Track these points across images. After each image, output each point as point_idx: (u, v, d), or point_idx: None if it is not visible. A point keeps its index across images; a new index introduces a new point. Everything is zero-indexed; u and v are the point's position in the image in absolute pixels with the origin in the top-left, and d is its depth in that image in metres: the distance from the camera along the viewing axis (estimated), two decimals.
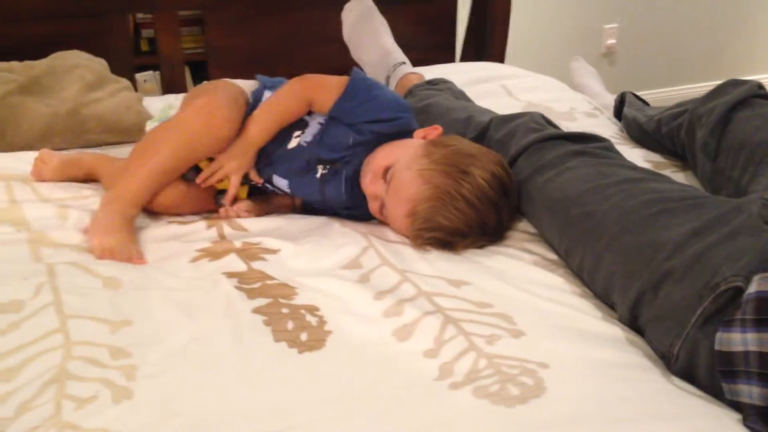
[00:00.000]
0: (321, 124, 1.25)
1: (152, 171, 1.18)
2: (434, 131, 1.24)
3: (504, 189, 1.16)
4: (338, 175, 1.24)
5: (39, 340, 0.91)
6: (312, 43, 2.05)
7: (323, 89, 1.24)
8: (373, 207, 1.21)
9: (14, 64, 1.59)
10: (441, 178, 1.12)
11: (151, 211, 1.23)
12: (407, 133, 1.25)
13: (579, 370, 0.89)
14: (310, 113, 1.27)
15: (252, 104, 1.27)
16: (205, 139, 1.19)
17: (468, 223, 1.13)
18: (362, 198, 1.22)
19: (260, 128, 1.22)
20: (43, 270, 1.06)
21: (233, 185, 1.23)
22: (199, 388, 0.84)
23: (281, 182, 1.27)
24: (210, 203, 1.26)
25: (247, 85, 1.32)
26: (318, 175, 1.24)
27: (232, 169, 1.21)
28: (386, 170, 1.17)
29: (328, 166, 1.24)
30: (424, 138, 1.23)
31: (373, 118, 1.22)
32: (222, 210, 1.24)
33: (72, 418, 0.79)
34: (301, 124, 1.26)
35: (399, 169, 1.16)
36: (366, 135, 1.22)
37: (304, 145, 1.24)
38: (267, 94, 1.28)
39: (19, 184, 1.30)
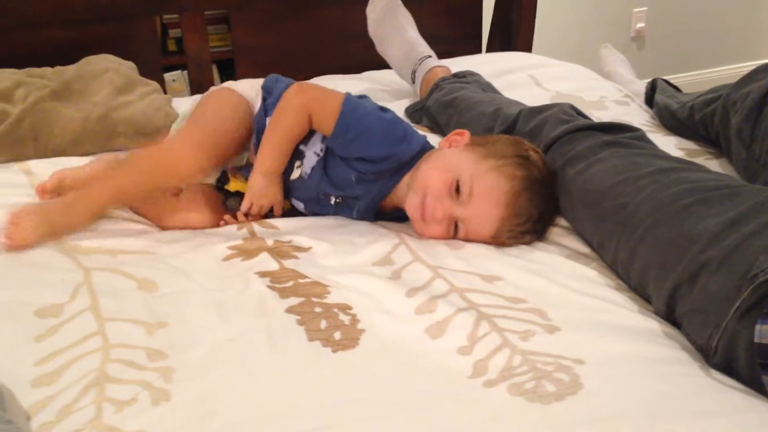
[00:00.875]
0: (317, 154, 1.22)
1: (117, 191, 1.20)
2: (461, 137, 1.20)
3: (548, 163, 1.20)
4: (351, 208, 1.23)
5: (78, 344, 0.93)
6: (338, 40, 2.04)
7: (321, 104, 1.19)
8: (438, 230, 1.14)
9: (47, 69, 1.61)
10: (517, 170, 1.12)
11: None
12: (412, 162, 1.20)
13: (616, 365, 0.88)
14: (305, 141, 1.23)
15: (256, 129, 1.25)
16: (170, 175, 1.19)
17: (546, 204, 1.16)
18: (371, 219, 1.24)
19: (273, 157, 1.20)
20: (80, 272, 1.07)
21: (277, 213, 1.24)
22: (235, 389, 0.85)
23: (298, 204, 1.27)
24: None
25: (254, 87, 1.30)
26: (332, 203, 1.24)
27: (267, 206, 1.23)
28: (452, 186, 1.13)
29: (340, 197, 1.23)
30: (450, 146, 1.20)
31: (364, 156, 1.18)
32: (228, 217, 1.24)
33: (112, 421, 0.80)
34: (298, 153, 1.23)
35: (475, 176, 1.11)
36: (367, 174, 1.20)
37: (306, 177, 1.22)
38: (268, 120, 1.25)
39: None
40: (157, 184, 1.21)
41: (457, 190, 1.12)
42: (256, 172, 1.21)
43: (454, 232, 1.16)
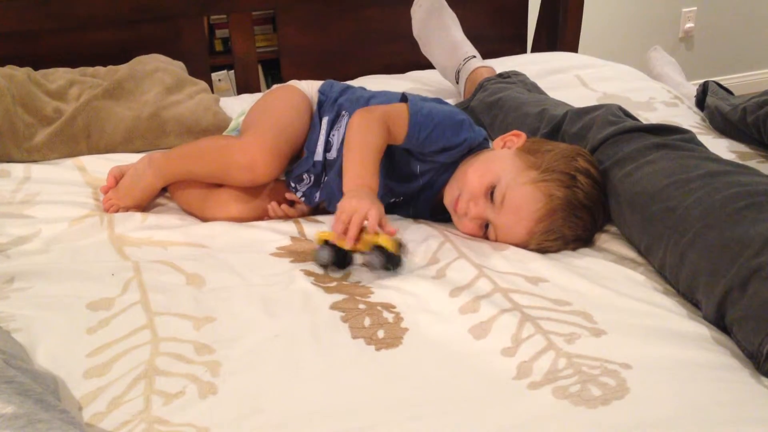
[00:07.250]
0: None
1: (188, 172, 1.29)
2: (517, 138, 1.21)
3: (601, 185, 1.17)
4: (408, 206, 1.26)
5: (128, 337, 0.95)
6: (382, 40, 2.05)
7: (392, 114, 1.19)
8: (469, 227, 1.17)
9: (99, 69, 1.65)
10: (557, 189, 1.11)
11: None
12: (475, 149, 1.22)
13: (663, 370, 0.86)
14: None
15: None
16: (241, 177, 1.23)
17: (586, 227, 1.14)
18: (426, 216, 1.25)
19: (363, 170, 1.13)
20: (130, 266, 1.10)
21: (374, 220, 1.06)
22: (281, 385, 0.86)
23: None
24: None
25: (314, 87, 1.35)
26: (390, 201, 1.26)
27: (364, 216, 1.05)
28: (488, 189, 1.13)
29: (401, 197, 1.25)
30: (504, 146, 1.21)
31: (440, 147, 1.20)
32: (269, 208, 1.26)
33: (160, 413, 0.82)
34: None
35: (510, 186, 1.12)
36: (433, 164, 1.21)
37: None
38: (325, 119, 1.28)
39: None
40: (229, 181, 1.26)
41: (492, 195, 1.13)
42: (346, 188, 1.12)
43: (485, 231, 1.17)
